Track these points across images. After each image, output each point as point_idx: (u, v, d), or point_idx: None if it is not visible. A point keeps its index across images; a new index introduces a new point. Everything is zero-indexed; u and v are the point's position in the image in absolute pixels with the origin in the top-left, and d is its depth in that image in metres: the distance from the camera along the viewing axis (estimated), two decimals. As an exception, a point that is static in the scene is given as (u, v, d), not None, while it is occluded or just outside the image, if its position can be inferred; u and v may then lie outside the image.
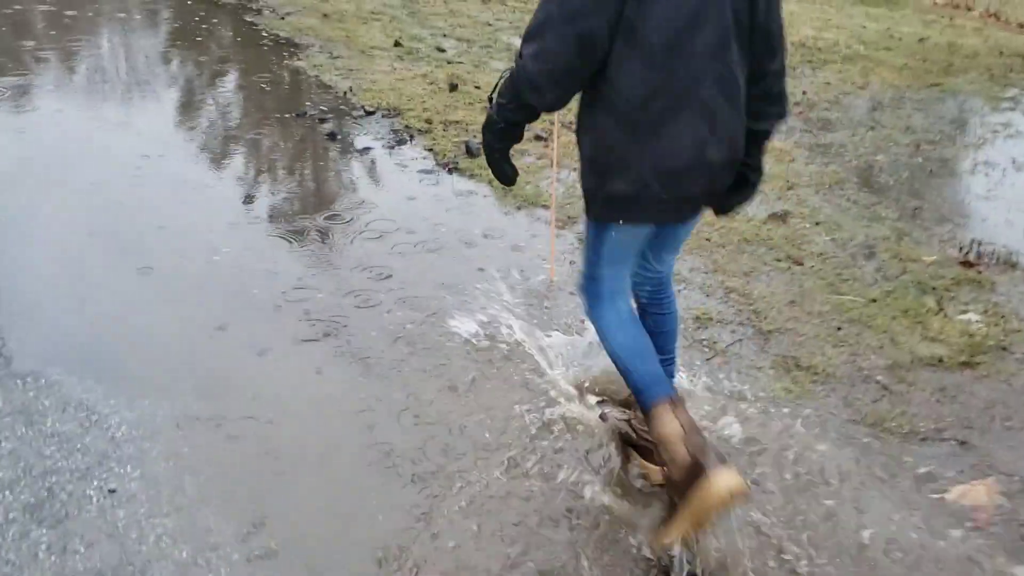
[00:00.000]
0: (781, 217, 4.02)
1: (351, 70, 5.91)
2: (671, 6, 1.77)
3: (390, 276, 3.35)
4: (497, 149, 2.06)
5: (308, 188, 4.24)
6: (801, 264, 3.58)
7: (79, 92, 5.26)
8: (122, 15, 7.22)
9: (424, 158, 4.58)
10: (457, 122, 5.04)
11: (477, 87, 5.73)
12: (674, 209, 1.97)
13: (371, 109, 5.22)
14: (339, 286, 3.25)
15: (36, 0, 7.22)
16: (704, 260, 3.60)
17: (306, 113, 5.11)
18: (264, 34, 6.74)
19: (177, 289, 3.19)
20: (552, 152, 3.44)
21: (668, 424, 2.00)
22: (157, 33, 6.82)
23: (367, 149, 4.68)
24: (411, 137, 4.84)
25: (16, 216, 3.66)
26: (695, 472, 1.92)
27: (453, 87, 5.65)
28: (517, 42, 6.82)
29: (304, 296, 3.17)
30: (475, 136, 4.77)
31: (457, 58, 6.42)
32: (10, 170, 4.11)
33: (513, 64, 1.91)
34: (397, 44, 6.51)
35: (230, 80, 5.76)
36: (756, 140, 2.01)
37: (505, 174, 2.09)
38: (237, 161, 4.46)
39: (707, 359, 2.91)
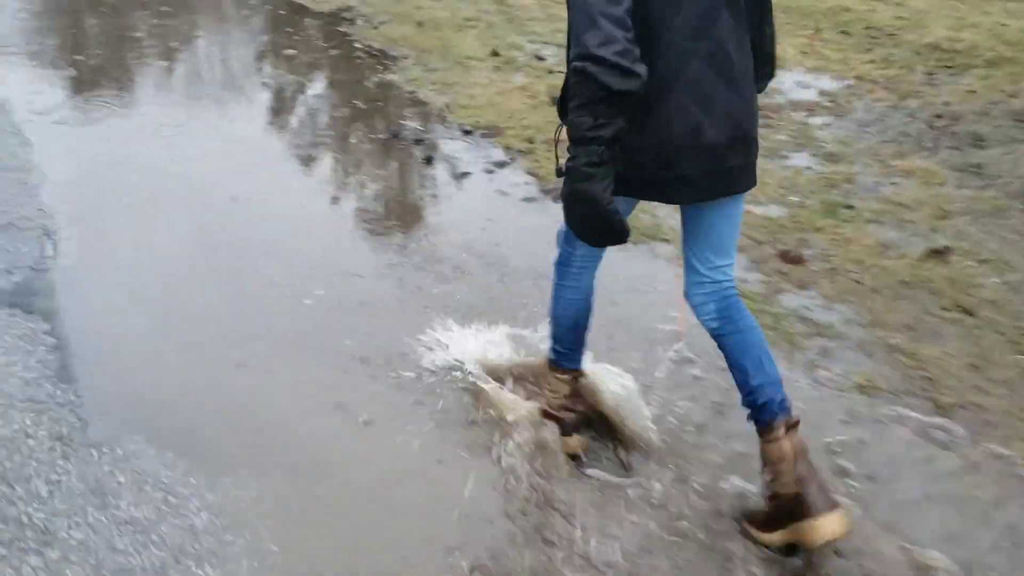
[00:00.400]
0: (940, 254, 3.51)
1: (447, 84, 5.58)
2: None
3: (496, 323, 2.99)
4: (600, 198, 1.78)
5: (404, 220, 3.91)
6: (973, 315, 3.07)
7: (166, 107, 5.07)
8: (214, 25, 7.08)
9: (527, 183, 4.21)
10: (561, 141, 4.64)
11: (581, 100, 5.33)
12: (668, 190, 1.91)
13: (469, 128, 4.88)
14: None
15: (136, 5, 7.15)
16: (858, 309, 3.12)
17: (400, 134, 4.80)
18: (357, 45, 6.48)
19: (273, 351, 2.89)
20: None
21: (563, 386, 2.33)
22: (248, 44, 6.63)
23: (466, 174, 4.33)
24: (512, 159, 4.48)
25: (103, 248, 3.44)
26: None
27: (554, 100, 5.26)
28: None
29: (413, 352, 2.84)
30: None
31: (558, 67, 6.03)
32: (96, 192, 3.91)
33: (568, 88, 1.80)
34: (494, 54, 6.16)
35: (320, 97, 5.50)
36: None
37: (617, 230, 1.84)
38: (325, 196, 4.17)
39: (877, 441, 2.46)
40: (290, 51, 6.38)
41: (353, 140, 4.78)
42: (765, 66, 2.01)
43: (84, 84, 5.45)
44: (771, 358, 2.04)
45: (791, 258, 3.55)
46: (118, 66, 5.86)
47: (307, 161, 4.49)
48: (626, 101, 1.70)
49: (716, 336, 2.09)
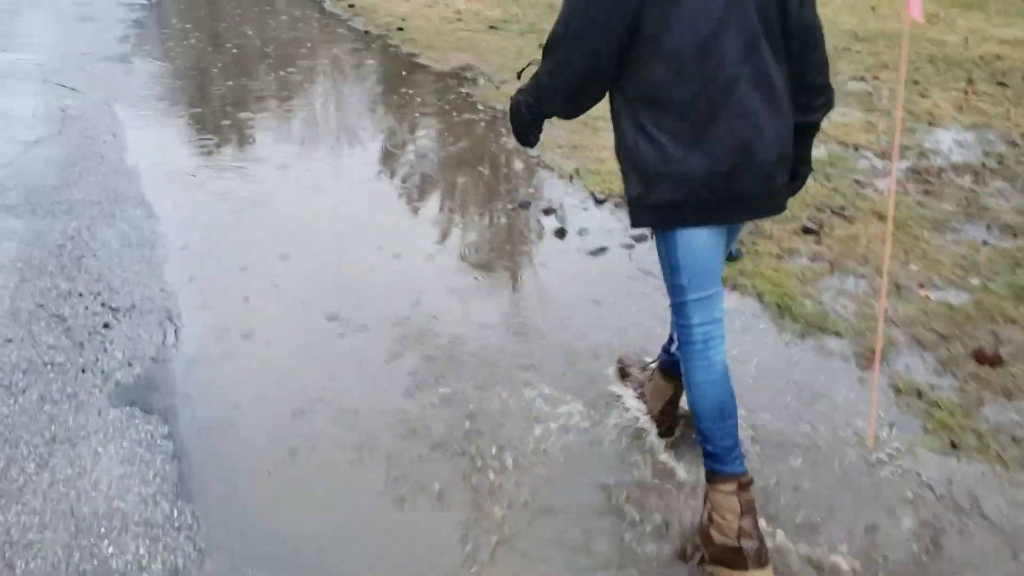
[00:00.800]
0: None
1: (575, 147, 5.30)
2: (693, 15, 1.82)
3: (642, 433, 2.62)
4: (525, 132, 2.20)
5: (539, 306, 3.60)
6: None
7: (294, 172, 4.94)
8: (336, 87, 7.02)
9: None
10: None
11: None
12: (726, 210, 1.99)
13: (601, 197, 4.57)
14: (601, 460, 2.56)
15: (261, 64, 7.19)
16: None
17: (528, 203, 4.52)
18: (480, 107, 6.27)
19: (430, 472, 2.60)
20: (884, 261, 2.57)
21: (729, 498, 2.06)
22: (369, 106, 6.52)
23: (602, 250, 4.01)
24: (652, 233, 4.12)
25: (229, 334, 3.23)
26: (734, 558, 2.03)
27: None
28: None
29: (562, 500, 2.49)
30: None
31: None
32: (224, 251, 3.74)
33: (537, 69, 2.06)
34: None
35: (441, 163, 5.29)
36: (805, 133, 2.07)
37: (530, 142, 2.22)
38: (448, 278, 3.90)
39: None
40: (413, 113, 6.24)
41: (479, 210, 4.53)
42: (819, 96, 2.05)
43: (212, 147, 5.40)
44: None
45: (987, 357, 3.07)
46: (243, 128, 5.81)
47: (433, 235, 4.25)
48: (542, 117, 2.15)
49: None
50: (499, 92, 6.55)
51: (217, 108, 6.26)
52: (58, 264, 3.86)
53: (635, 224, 2.07)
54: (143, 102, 6.32)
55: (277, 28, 8.90)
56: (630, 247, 4.03)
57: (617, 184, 4.68)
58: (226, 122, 5.92)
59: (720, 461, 2.09)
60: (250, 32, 8.59)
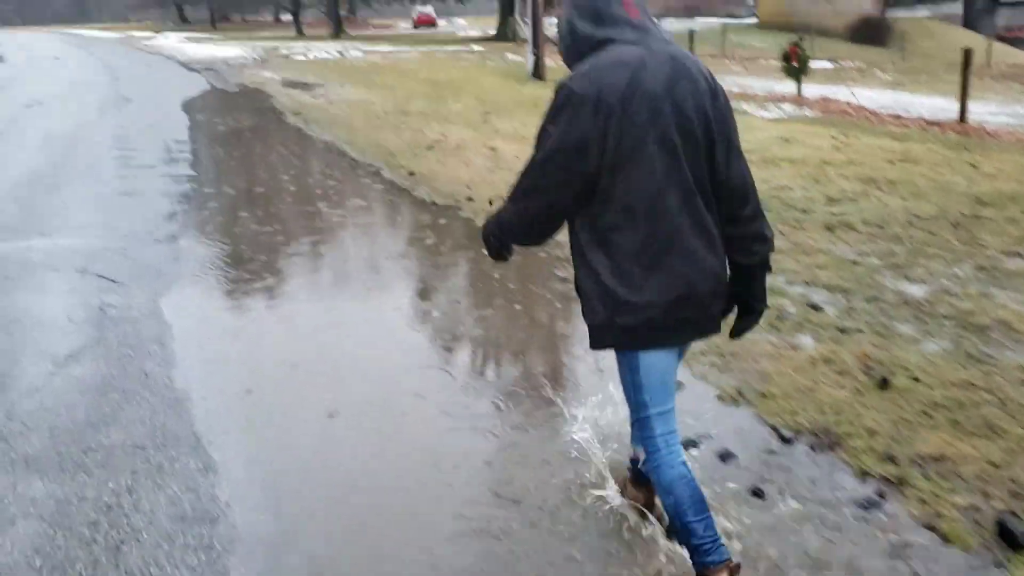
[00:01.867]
0: None
1: (724, 356, 4.29)
2: (641, 179, 2.26)
3: None
4: (496, 253, 2.60)
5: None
6: None
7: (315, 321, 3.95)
8: (429, 271, 6.15)
9: (926, 546, 2.76)
10: (941, 458, 3.22)
11: (915, 379, 3.93)
12: (677, 332, 2.40)
13: (787, 434, 3.52)
14: None
15: (327, 240, 6.38)
16: None
17: (697, 443, 3.47)
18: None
19: None
20: None
21: None
22: (461, 292, 5.61)
23: (824, 518, 2.92)
24: (881, 495, 3.05)
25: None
26: None
27: (883, 383, 3.88)
28: (903, 285, 5.01)
29: None
30: (994, 503, 2.91)
31: (845, 322, 4.70)
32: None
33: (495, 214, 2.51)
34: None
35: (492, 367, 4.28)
36: (753, 273, 2.49)
37: (503, 257, 2.60)
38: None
39: None
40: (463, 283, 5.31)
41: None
42: (757, 243, 2.44)
43: (286, 366, 4.45)
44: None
45: None
46: (322, 339, 4.88)
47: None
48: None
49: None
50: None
51: (285, 308, 5.36)
52: (89, 558, 2.83)
53: (596, 346, 2.43)
54: (194, 297, 5.45)
55: (337, 200, 8.19)
56: (863, 520, 2.94)
57: (797, 409, 3.65)
58: (301, 324, 5.00)
59: (708, 553, 2.38)
60: (311, 209, 7.85)
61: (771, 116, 14.73)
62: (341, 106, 14.96)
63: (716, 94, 2.37)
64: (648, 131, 2.25)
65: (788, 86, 20.94)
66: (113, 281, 5.72)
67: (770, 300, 4.97)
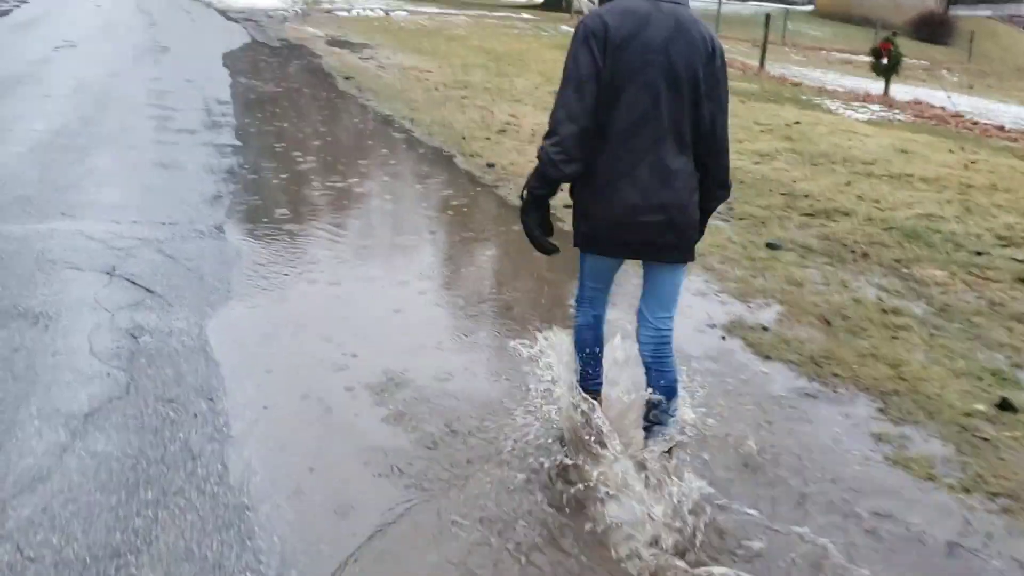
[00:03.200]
0: None
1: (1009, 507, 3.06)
2: (625, 114, 2.68)
3: None
4: (532, 222, 2.82)
5: None
6: None
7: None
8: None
9: None
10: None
11: None
12: (616, 248, 2.88)
13: None
14: None
15: (410, 240, 5.19)
16: None
17: None
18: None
19: None
20: None
21: (585, 402, 2.94)
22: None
23: None
24: None
25: None
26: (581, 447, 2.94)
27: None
28: None
29: None
30: None
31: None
32: None
33: (537, 155, 2.76)
34: (1005, 407, 3.66)
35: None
36: (704, 212, 2.89)
37: (547, 248, 2.86)
38: None
39: None
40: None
41: None
42: (721, 189, 2.90)
43: (391, 462, 3.26)
44: (676, 396, 2.96)
45: None
46: (419, 387, 3.69)
47: None
48: (553, 181, 2.75)
49: (645, 366, 2.96)
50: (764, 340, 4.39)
51: (372, 338, 4.16)
52: None
53: (576, 245, 2.95)
54: (246, 321, 4.26)
55: (412, 194, 6.96)
56: None
57: None
58: (391, 365, 3.80)
59: (585, 380, 3.05)
60: (384, 204, 6.63)
61: (862, 117, 13.36)
62: (394, 72, 13.65)
63: (713, 57, 2.74)
64: (637, 74, 2.66)
65: (858, 81, 19.48)
66: (148, 291, 4.54)
67: (998, 391, 3.82)
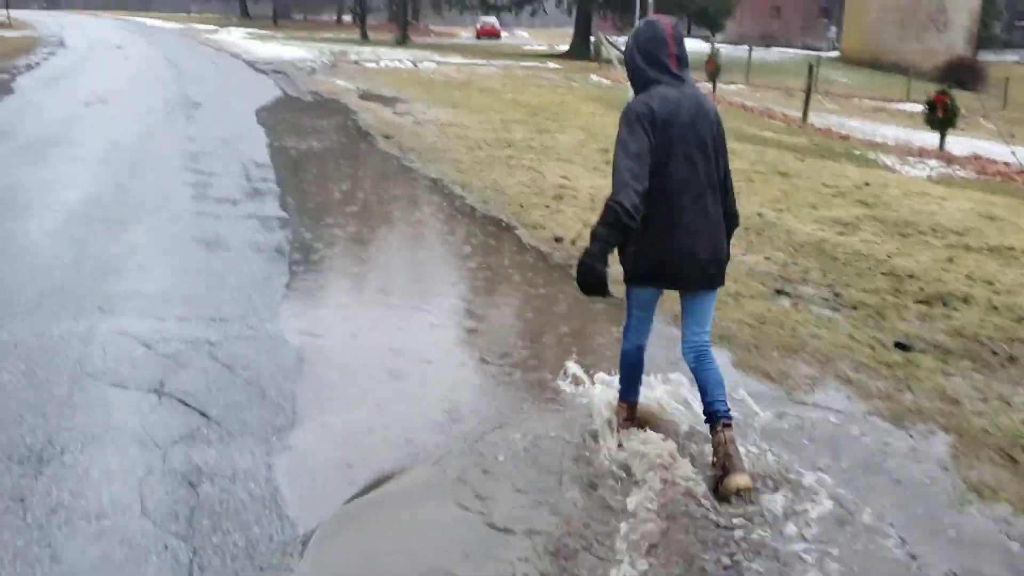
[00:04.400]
0: None
1: None
2: (673, 177, 3.42)
3: None
4: (602, 269, 3.28)
5: None
6: None
7: None
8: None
9: None
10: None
11: None
12: (677, 282, 3.61)
13: None
14: None
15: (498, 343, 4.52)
16: None
17: None
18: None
19: None
20: None
21: (620, 412, 3.85)
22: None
23: None
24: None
25: None
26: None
27: None
28: None
29: None
30: None
31: None
32: None
33: (607, 210, 3.29)
34: None
35: None
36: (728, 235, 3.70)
37: (606, 292, 3.34)
38: None
39: None
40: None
41: None
42: (734, 219, 3.74)
43: None
44: (723, 386, 3.56)
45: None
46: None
47: None
48: (626, 231, 3.29)
49: (692, 371, 3.62)
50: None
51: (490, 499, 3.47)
52: None
53: (625, 280, 3.64)
54: (324, 459, 3.58)
55: (487, 277, 6.33)
56: None
57: None
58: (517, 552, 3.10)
59: (624, 393, 3.87)
60: (456, 284, 5.98)
61: (921, 174, 12.71)
62: (432, 129, 13.13)
63: (720, 124, 3.62)
64: (677, 148, 3.44)
65: (898, 131, 18.85)
66: (203, 415, 3.88)
67: None
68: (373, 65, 26.33)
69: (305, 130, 12.54)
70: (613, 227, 3.27)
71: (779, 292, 6.00)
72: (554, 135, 12.99)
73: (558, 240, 7.07)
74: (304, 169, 9.86)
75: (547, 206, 8.30)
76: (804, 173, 10.91)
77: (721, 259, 3.59)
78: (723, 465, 3.40)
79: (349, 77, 21.73)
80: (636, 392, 3.89)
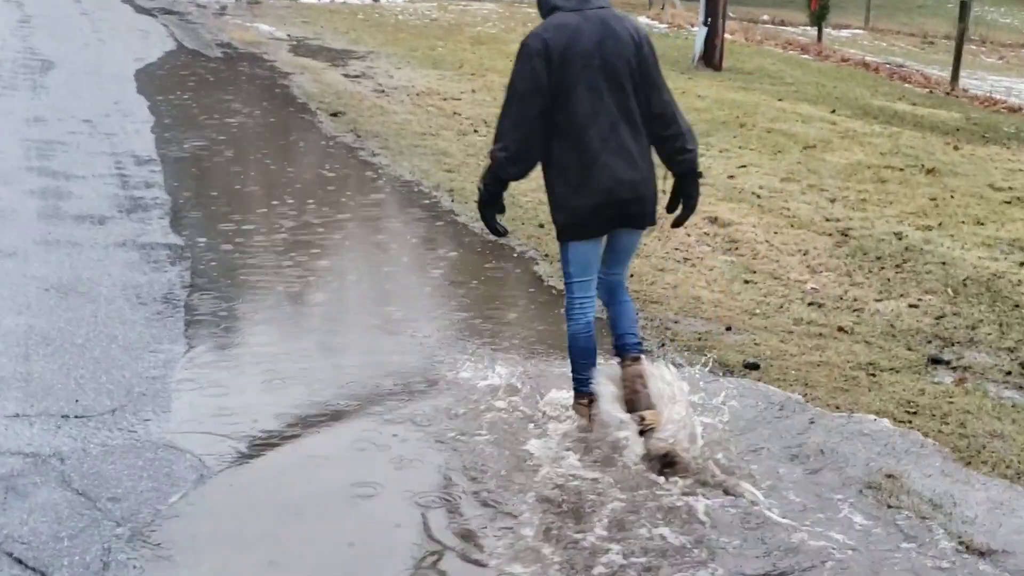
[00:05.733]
0: None
1: None
2: (578, 113, 4.44)
3: None
4: (489, 214, 4.78)
5: None
6: None
7: None
8: None
9: None
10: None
11: None
12: (600, 227, 4.68)
13: None
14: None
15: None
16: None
17: None
18: None
19: None
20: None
21: (582, 412, 4.97)
22: None
23: None
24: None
25: None
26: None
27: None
28: None
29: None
30: None
31: None
32: None
33: (489, 157, 4.68)
34: None
35: None
36: (684, 178, 4.75)
37: (498, 231, 4.87)
38: None
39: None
40: None
41: None
42: (681, 155, 4.66)
43: None
44: (635, 322, 4.95)
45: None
46: None
47: None
48: (506, 180, 4.65)
49: (604, 304, 4.96)
50: None
51: None
52: None
53: (558, 238, 4.79)
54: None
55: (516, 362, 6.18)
56: None
57: None
58: None
59: (579, 384, 4.93)
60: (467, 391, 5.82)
61: None
62: (403, 102, 13.13)
63: (640, 46, 4.54)
64: (579, 79, 4.43)
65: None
66: (46, 581, 3.69)
67: None
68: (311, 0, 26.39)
69: (210, 105, 12.49)
70: (493, 177, 4.66)
71: (935, 361, 5.93)
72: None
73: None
74: (207, 168, 9.79)
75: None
76: (961, 168, 10.83)
77: (644, 196, 4.67)
78: (630, 399, 4.73)
79: (277, 19, 21.80)
80: (590, 383, 4.87)
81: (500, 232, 4.88)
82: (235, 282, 6.75)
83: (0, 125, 10.89)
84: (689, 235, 8.08)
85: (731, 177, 10.09)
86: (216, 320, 6.14)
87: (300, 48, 17.75)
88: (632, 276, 7.05)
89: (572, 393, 5.02)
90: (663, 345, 6.04)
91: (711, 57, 17.85)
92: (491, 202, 4.73)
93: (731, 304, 6.83)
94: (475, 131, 11.48)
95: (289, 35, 19.36)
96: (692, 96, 14.44)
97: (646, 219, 4.73)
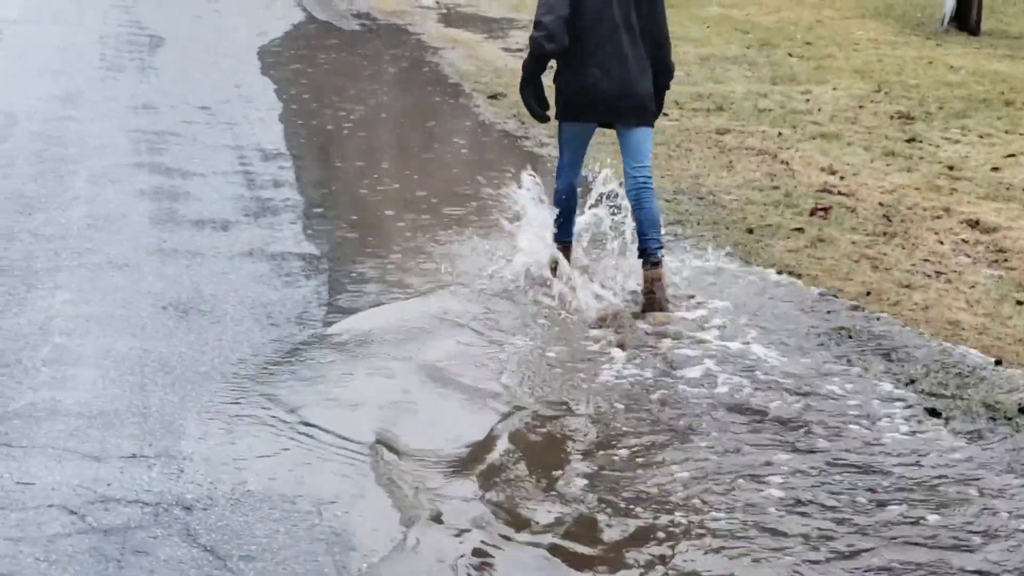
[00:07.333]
0: None
1: None
2: (587, 16, 7.04)
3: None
4: (528, 94, 7.27)
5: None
6: None
7: None
8: None
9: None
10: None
11: None
12: (588, 116, 7.35)
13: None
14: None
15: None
16: None
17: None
18: None
19: None
20: None
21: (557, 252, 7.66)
22: None
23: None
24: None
25: None
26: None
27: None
28: None
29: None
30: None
31: None
32: None
33: (528, 41, 7.49)
34: None
35: None
36: (658, 91, 7.44)
37: (541, 116, 7.39)
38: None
39: None
40: None
41: None
42: (663, 75, 7.45)
43: None
44: (657, 227, 7.19)
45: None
46: None
47: None
48: (546, 58, 7.23)
49: (632, 207, 7.26)
50: None
51: None
52: None
53: (556, 116, 7.42)
54: None
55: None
56: None
57: None
58: None
59: (557, 231, 7.51)
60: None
61: None
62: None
63: None
64: None
65: None
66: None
67: None
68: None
69: (347, 88, 12.83)
70: (532, 56, 7.04)
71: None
72: (807, 87, 13.10)
73: (854, 308, 7.03)
74: (344, 164, 10.03)
75: (800, 230, 8.35)
76: None
77: (634, 94, 7.07)
78: (646, 300, 7.01)
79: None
80: (569, 233, 7.58)
81: (539, 114, 7.25)
82: (378, 301, 6.93)
83: (104, 113, 11.37)
84: (942, 243, 8.04)
85: (995, 169, 10.02)
86: (358, 347, 6.30)
87: (451, 17, 18.09)
88: (868, 294, 7.05)
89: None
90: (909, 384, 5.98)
91: (966, 18, 17.65)
92: (530, 81, 7.14)
93: (1000, 331, 6.82)
94: (664, 112, 11.52)
95: (438, 1, 19.68)
96: (942, 67, 14.29)
97: (636, 117, 7.16)
